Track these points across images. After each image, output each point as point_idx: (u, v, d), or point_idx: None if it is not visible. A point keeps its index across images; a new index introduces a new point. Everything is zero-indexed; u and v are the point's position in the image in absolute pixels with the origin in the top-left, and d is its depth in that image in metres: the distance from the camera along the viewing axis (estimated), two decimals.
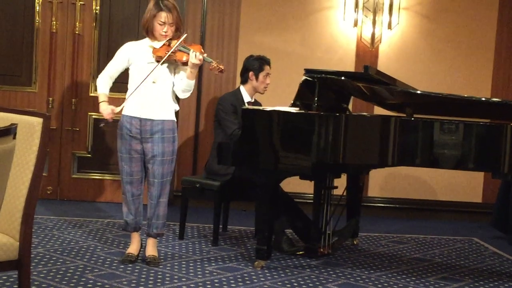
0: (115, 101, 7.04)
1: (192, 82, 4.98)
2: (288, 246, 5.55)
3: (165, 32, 4.89)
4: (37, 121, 3.43)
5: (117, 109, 4.94)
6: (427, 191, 7.49)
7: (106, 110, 4.95)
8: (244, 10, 7.28)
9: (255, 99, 5.95)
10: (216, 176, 5.73)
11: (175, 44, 4.88)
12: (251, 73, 5.83)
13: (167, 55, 4.85)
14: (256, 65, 5.83)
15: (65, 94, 7.14)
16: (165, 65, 4.93)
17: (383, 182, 7.42)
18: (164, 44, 4.92)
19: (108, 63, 5.08)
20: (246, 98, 5.85)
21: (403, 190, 7.48)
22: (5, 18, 7.09)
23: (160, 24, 4.88)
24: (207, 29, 7.24)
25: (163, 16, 4.87)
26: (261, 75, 5.83)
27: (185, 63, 4.95)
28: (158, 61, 4.89)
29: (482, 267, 5.57)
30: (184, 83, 4.98)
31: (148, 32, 4.93)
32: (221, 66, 4.98)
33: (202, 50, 4.95)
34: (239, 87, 5.92)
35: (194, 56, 4.85)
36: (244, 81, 5.89)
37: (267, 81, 5.88)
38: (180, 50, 4.92)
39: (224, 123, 5.69)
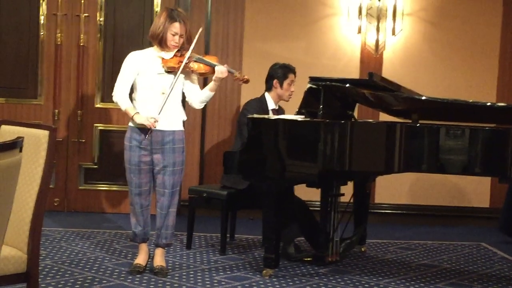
0: (121, 112, 7.06)
1: (212, 94, 5.06)
2: (295, 251, 5.55)
3: (176, 42, 4.91)
4: (43, 134, 3.44)
5: (156, 116, 4.86)
6: (434, 197, 7.47)
7: (148, 120, 4.83)
8: (248, 18, 7.29)
9: (279, 106, 5.97)
10: (237, 183, 5.69)
11: (187, 54, 4.90)
12: (275, 81, 5.86)
13: (182, 65, 4.87)
14: (280, 73, 5.87)
15: (71, 105, 7.16)
16: (176, 75, 4.93)
17: (389, 188, 7.41)
18: (175, 55, 4.93)
19: (119, 77, 4.97)
20: (271, 105, 5.87)
21: (410, 196, 7.47)
22: (10, 31, 7.12)
23: (172, 35, 4.89)
24: (212, 37, 7.25)
25: (177, 26, 4.88)
26: (285, 83, 5.87)
27: (203, 74, 5.03)
28: (169, 72, 4.91)
29: (491, 272, 5.56)
30: (205, 95, 5.05)
31: (160, 41, 4.92)
32: (246, 77, 5.08)
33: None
34: (264, 94, 5.94)
35: (221, 70, 4.92)
36: (269, 88, 5.92)
37: (291, 89, 5.91)
38: (197, 61, 4.95)
39: (244, 128, 5.69)
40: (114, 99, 4.98)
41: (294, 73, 5.95)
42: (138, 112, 4.88)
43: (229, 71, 5.02)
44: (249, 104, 5.90)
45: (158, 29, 4.90)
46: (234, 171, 5.29)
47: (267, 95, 5.93)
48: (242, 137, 5.66)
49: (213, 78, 4.98)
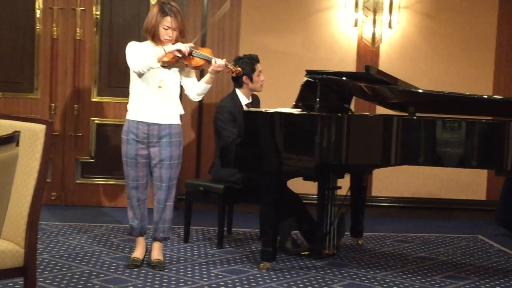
0: (117, 106, 7.08)
1: (209, 86, 5.07)
2: (292, 246, 5.56)
3: (170, 36, 4.91)
4: (40, 128, 3.43)
5: (189, 44, 4.90)
6: (431, 190, 7.48)
7: (180, 44, 4.83)
8: (245, 12, 7.28)
9: (253, 97, 5.91)
10: (224, 183, 5.71)
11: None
12: (244, 77, 5.75)
13: (185, 59, 4.89)
14: (247, 68, 5.72)
15: (67, 99, 7.15)
16: (172, 69, 4.94)
17: (386, 181, 7.41)
18: None
19: (131, 56, 4.86)
20: (244, 100, 5.81)
21: (406, 189, 7.47)
22: (6, 25, 7.11)
23: (165, 29, 4.89)
24: (208, 31, 7.24)
25: (168, 20, 4.88)
26: (254, 76, 5.79)
27: (197, 67, 5.04)
28: (164, 66, 4.91)
29: (487, 265, 5.57)
30: (201, 87, 5.06)
31: (154, 36, 4.92)
32: (238, 69, 5.20)
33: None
34: (234, 90, 5.85)
35: (216, 62, 4.94)
36: (239, 85, 5.83)
37: (261, 79, 5.83)
38: (191, 55, 4.95)
39: (223, 132, 5.65)
40: (137, 67, 4.81)
41: (259, 61, 5.85)
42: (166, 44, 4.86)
43: (224, 64, 5.05)
44: (221, 106, 5.77)
45: (150, 24, 4.90)
46: (231, 165, 5.29)
47: (238, 91, 5.82)
48: (221, 141, 5.64)
49: (209, 70, 4.98)
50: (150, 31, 4.91)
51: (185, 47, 4.84)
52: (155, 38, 4.92)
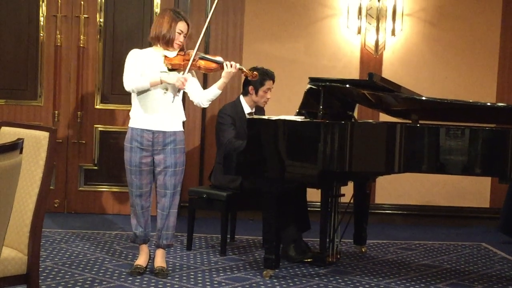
0: (120, 113, 7.08)
1: (219, 92, 5.05)
2: (296, 253, 5.55)
3: (181, 41, 4.94)
4: (43, 135, 3.44)
5: (185, 75, 4.87)
6: (434, 197, 7.47)
7: (178, 79, 4.81)
8: (248, 19, 7.29)
9: (256, 107, 5.91)
10: (224, 189, 5.72)
11: (191, 53, 4.92)
12: (251, 87, 5.76)
13: (190, 61, 4.89)
14: (257, 80, 5.60)
15: (71, 107, 7.16)
16: (176, 75, 4.94)
17: (390, 189, 7.41)
18: (178, 54, 4.95)
19: (126, 69, 4.93)
20: (246, 109, 5.80)
21: (410, 196, 7.46)
22: (10, 33, 7.12)
23: (178, 33, 4.91)
24: (211, 38, 7.25)
25: (182, 26, 4.92)
26: (261, 90, 5.76)
27: (211, 70, 5.06)
28: (172, 70, 4.92)
29: (491, 273, 5.55)
30: (213, 93, 5.04)
31: (168, 42, 4.93)
32: (255, 73, 5.17)
33: None
34: (239, 97, 5.87)
35: (230, 65, 4.94)
36: (245, 93, 5.84)
37: (267, 96, 5.80)
38: (203, 59, 4.96)
39: (220, 132, 5.66)
40: (129, 87, 4.89)
41: (273, 79, 5.80)
42: (162, 74, 4.86)
43: (238, 68, 5.05)
44: (223, 110, 5.79)
45: (164, 30, 4.90)
46: (233, 172, 5.29)
47: (242, 98, 5.83)
48: (219, 139, 5.67)
49: (222, 74, 4.97)
50: (164, 36, 4.90)
51: (181, 82, 4.82)
52: (169, 43, 4.92)
